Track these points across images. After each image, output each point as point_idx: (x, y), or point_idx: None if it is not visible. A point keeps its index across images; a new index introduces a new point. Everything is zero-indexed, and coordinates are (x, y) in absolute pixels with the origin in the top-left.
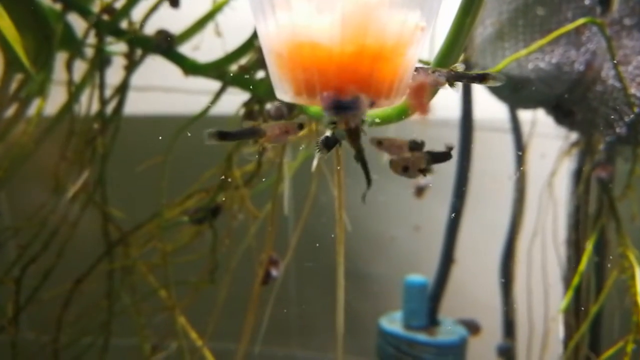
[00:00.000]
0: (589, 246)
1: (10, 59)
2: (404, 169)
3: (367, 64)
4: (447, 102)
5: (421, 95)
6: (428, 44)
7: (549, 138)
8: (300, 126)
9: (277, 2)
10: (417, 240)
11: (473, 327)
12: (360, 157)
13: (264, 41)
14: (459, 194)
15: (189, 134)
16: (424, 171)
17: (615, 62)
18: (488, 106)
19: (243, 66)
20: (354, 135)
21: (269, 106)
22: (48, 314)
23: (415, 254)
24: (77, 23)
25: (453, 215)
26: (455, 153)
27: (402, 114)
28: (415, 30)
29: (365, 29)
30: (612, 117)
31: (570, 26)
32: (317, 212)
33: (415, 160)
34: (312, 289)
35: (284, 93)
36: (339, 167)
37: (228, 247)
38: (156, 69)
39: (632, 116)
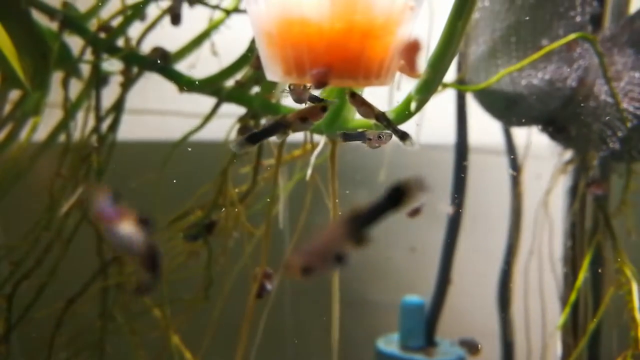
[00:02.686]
0: (585, 262)
1: (6, 75)
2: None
3: (357, 41)
4: (442, 125)
5: (413, 54)
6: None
7: (544, 160)
8: (324, 109)
9: None
10: (413, 261)
11: (472, 347)
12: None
13: (254, 21)
14: (455, 215)
15: (189, 151)
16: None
17: (607, 77)
18: (483, 129)
19: (239, 81)
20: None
21: (263, 121)
22: (40, 335)
23: (411, 275)
24: (74, 44)
25: (449, 236)
26: (450, 175)
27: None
28: (405, 9)
29: (354, 5)
30: (606, 132)
31: (562, 41)
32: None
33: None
34: (307, 311)
35: (274, 74)
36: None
37: (223, 265)
38: (152, 93)
39: (625, 131)
